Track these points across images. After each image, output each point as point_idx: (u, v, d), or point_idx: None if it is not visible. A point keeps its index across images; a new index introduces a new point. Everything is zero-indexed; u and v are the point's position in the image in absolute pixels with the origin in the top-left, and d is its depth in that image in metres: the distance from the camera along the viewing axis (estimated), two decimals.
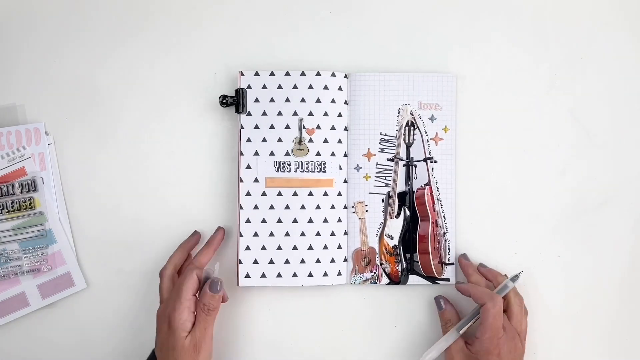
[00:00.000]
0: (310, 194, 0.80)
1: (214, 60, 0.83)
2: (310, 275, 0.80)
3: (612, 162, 0.82)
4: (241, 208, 0.80)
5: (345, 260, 0.81)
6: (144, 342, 0.81)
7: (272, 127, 0.80)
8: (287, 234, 0.80)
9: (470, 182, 0.82)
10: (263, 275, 0.80)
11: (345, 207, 0.81)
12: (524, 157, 0.82)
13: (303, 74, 0.80)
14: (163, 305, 0.75)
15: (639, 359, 0.82)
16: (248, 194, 0.80)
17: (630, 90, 0.82)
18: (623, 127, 0.82)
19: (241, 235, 0.80)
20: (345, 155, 0.81)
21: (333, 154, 0.81)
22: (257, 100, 0.80)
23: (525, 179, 0.82)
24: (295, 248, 0.80)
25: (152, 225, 0.82)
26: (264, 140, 0.80)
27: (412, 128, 0.81)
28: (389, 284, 0.81)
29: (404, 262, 0.81)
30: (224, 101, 0.79)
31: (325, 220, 0.80)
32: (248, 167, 0.80)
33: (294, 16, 0.83)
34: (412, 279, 0.81)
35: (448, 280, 0.81)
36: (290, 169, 0.80)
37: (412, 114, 0.81)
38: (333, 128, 0.80)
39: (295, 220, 0.80)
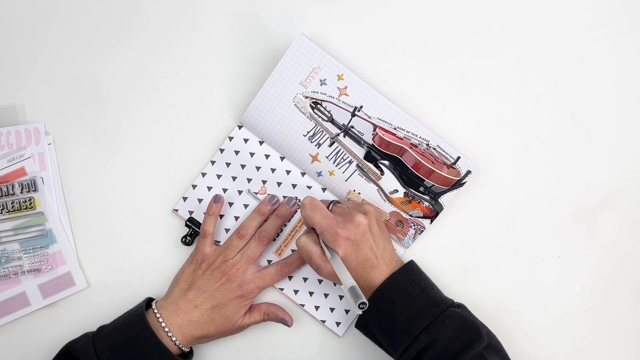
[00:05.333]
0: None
1: (214, 59, 0.83)
2: None
3: (612, 162, 0.82)
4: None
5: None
6: None
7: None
8: None
9: None
10: None
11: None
12: (523, 157, 0.82)
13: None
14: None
15: (639, 359, 0.82)
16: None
17: (630, 90, 0.82)
18: (623, 127, 0.82)
19: None
20: (303, 174, 0.81)
21: (293, 186, 0.81)
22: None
23: (525, 179, 0.82)
24: None
25: (152, 225, 0.82)
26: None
27: (318, 105, 0.79)
28: (432, 221, 0.80)
29: (424, 196, 0.80)
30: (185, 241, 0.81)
31: None
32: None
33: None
34: (444, 198, 0.80)
35: (470, 172, 0.79)
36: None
37: (305, 97, 0.79)
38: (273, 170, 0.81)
39: None
